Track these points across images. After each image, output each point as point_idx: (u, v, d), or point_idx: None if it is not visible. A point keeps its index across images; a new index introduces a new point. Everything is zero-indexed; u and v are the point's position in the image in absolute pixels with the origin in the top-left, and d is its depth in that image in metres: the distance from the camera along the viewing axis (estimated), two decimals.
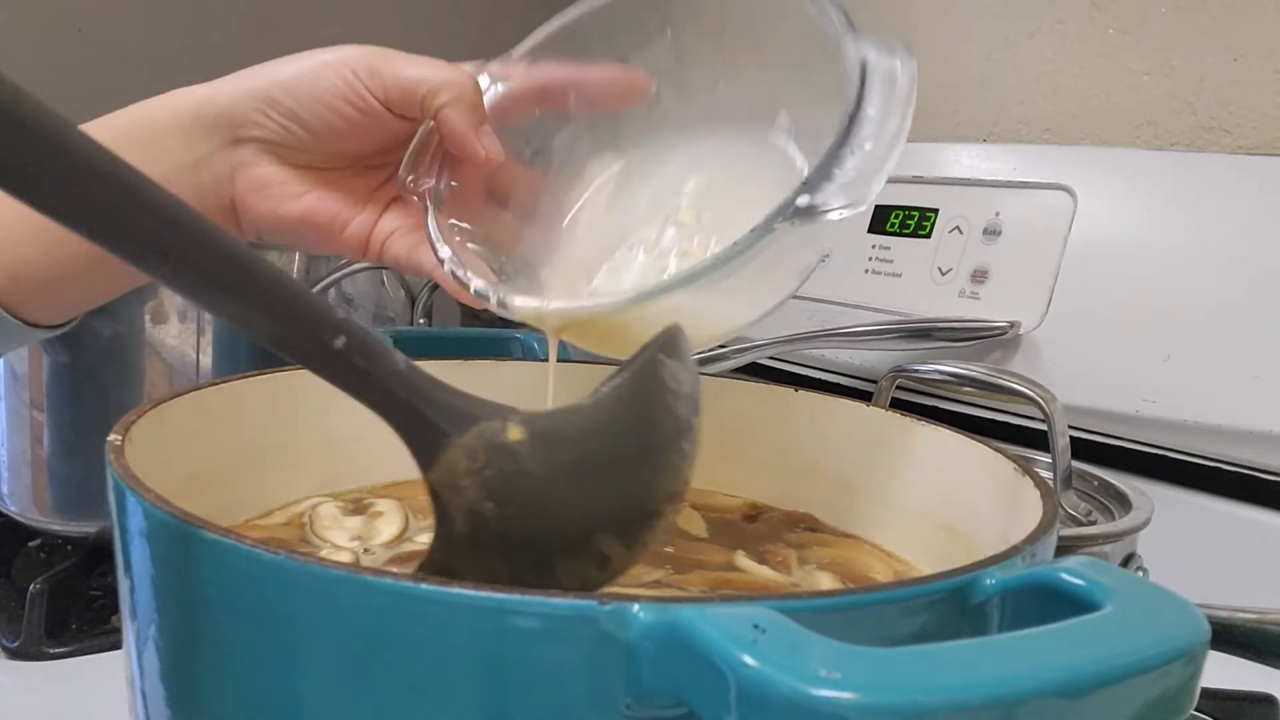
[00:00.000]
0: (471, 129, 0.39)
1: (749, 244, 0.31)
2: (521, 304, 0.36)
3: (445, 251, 0.37)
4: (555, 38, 0.41)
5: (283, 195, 0.40)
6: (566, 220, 0.43)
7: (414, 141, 0.41)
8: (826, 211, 0.30)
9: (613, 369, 0.29)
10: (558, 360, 0.45)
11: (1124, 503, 0.53)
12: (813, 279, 0.88)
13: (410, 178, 0.40)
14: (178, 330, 0.58)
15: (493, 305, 0.36)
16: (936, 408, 0.75)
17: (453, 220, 0.39)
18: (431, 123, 0.40)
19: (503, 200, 0.43)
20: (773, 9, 0.38)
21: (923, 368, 0.59)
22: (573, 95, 0.41)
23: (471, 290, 0.36)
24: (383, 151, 0.42)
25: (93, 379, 0.58)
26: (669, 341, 0.29)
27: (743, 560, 0.37)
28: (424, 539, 0.36)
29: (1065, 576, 0.22)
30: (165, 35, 0.87)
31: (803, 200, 0.30)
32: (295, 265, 0.61)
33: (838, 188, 0.30)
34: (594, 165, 0.42)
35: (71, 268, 0.39)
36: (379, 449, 0.40)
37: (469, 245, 0.39)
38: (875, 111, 0.31)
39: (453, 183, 0.40)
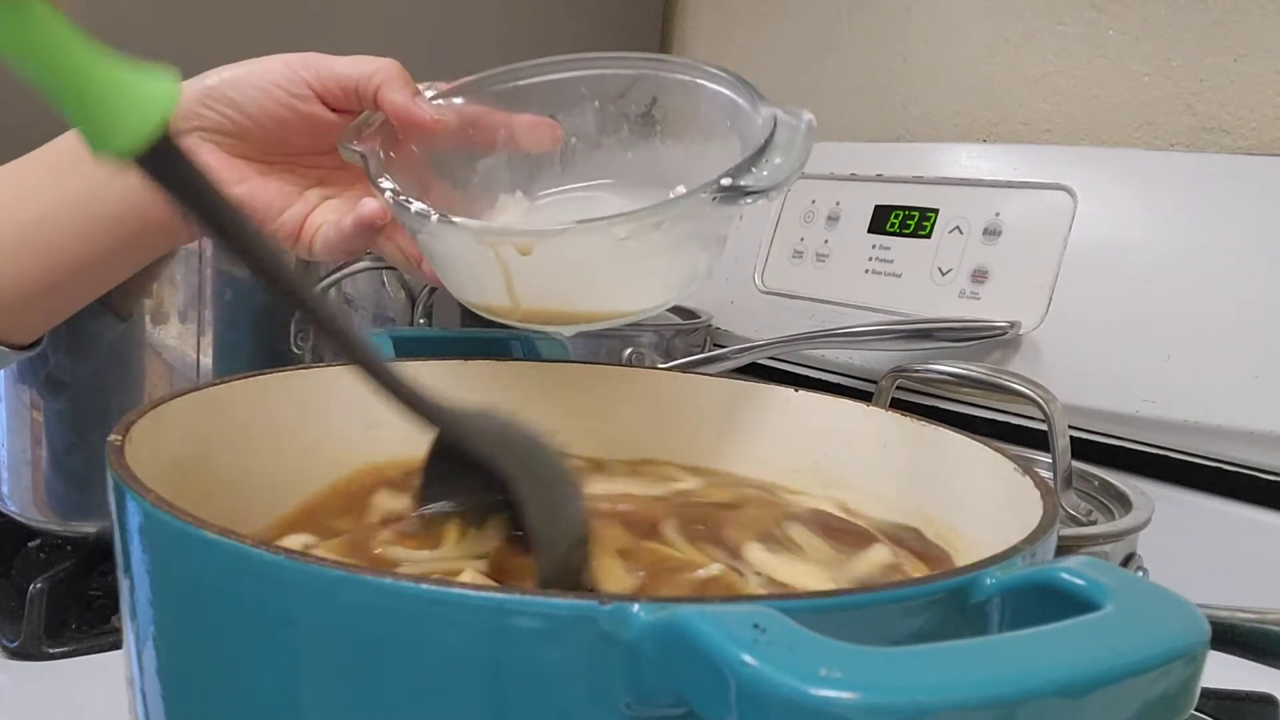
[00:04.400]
0: (410, 100, 0.43)
1: (678, 201, 0.37)
2: (462, 223, 0.38)
3: (387, 182, 0.40)
4: (500, 83, 0.46)
5: (218, 181, 0.41)
6: None
7: (355, 120, 0.44)
8: (745, 192, 0.36)
9: None
10: (558, 360, 0.45)
11: (1124, 503, 0.53)
12: (813, 279, 0.89)
13: (353, 140, 0.43)
14: (178, 330, 0.58)
15: (433, 222, 0.38)
16: (936, 408, 0.75)
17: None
18: (369, 113, 0.43)
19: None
20: (688, 91, 0.44)
21: (923, 368, 0.59)
22: (502, 131, 0.46)
23: (413, 210, 0.38)
24: (317, 151, 0.45)
25: (93, 379, 0.58)
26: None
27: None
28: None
29: (1065, 576, 0.22)
30: (165, 35, 0.87)
31: (726, 181, 0.36)
32: (295, 266, 0.61)
33: (754, 179, 0.36)
34: (505, 198, 0.46)
35: (35, 291, 0.44)
36: (378, 449, 0.40)
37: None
38: (783, 141, 0.38)
39: (391, 153, 0.43)
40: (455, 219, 0.38)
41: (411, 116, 0.43)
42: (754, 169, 0.37)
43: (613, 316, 0.40)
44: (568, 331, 0.41)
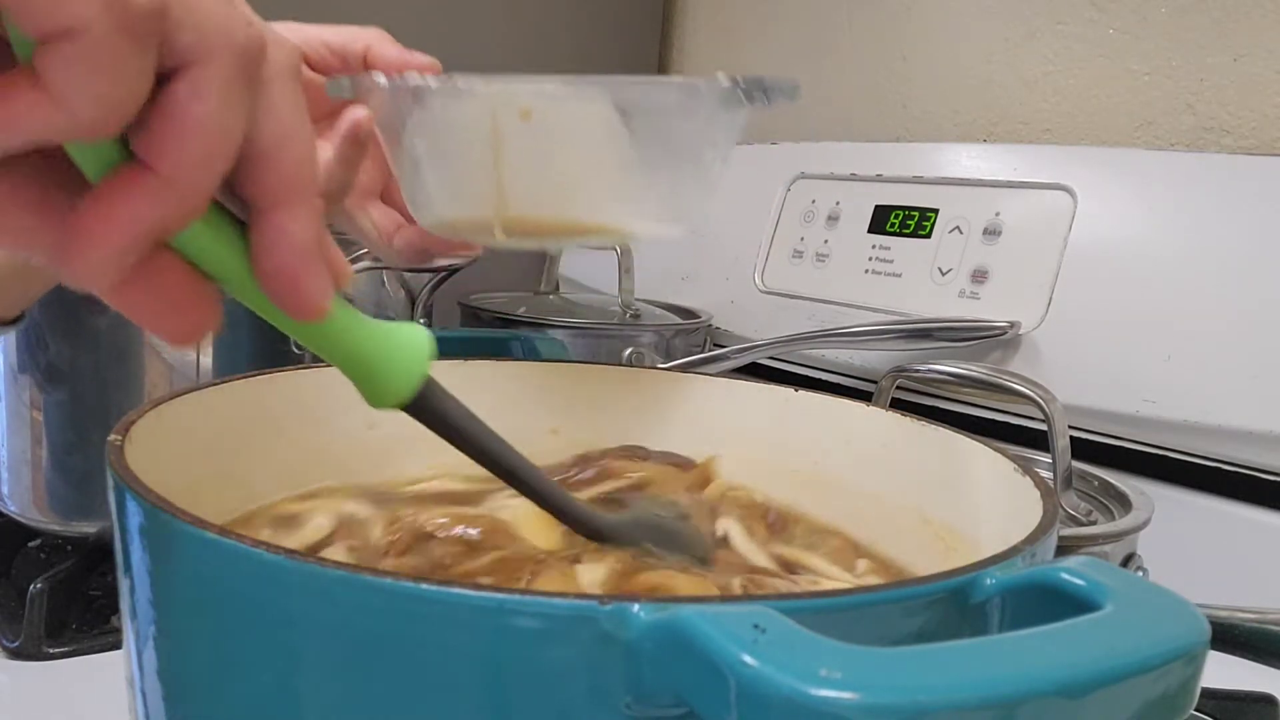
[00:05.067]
0: (402, 50, 0.44)
1: (684, 84, 0.37)
2: (465, 85, 0.36)
3: (380, 76, 0.38)
4: None
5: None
6: None
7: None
8: (751, 91, 0.37)
9: None
10: (558, 360, 0.45)
11: (1124, 503, 0.53)
12: (813, 279, 0.88)
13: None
14: None
15: (432, 88, 0.37)
16: (936, 408, 0.75)
17: None
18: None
19: None
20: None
21: (923, 368, 0.59)
22: None
23: (410, 85, 0.37)
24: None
25: (93, 379, 0.58)
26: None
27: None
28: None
29: (1065, 576, 0.22)
30: None
31: (728, 81, 0.36)
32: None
33: (761, 92, 0.37)
34: None
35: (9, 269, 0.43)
36: (377, 449, 0.40)
37: None
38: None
39: None
40: (457, 77, 0.36)
41: (406, 63, 0.43)
42: (757, 87, 0.37)
43: (601, 232, 0.39)
44: (553, 248, 0.40)
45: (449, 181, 0.39)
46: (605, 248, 0.86)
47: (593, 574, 0.32)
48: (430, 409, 0.29)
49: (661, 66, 1.21)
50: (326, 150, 0.43)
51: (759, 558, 0.37)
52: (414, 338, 0.28)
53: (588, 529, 0.34)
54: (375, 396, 0.28)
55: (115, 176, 0.21)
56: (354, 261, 0.62)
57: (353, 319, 0.27)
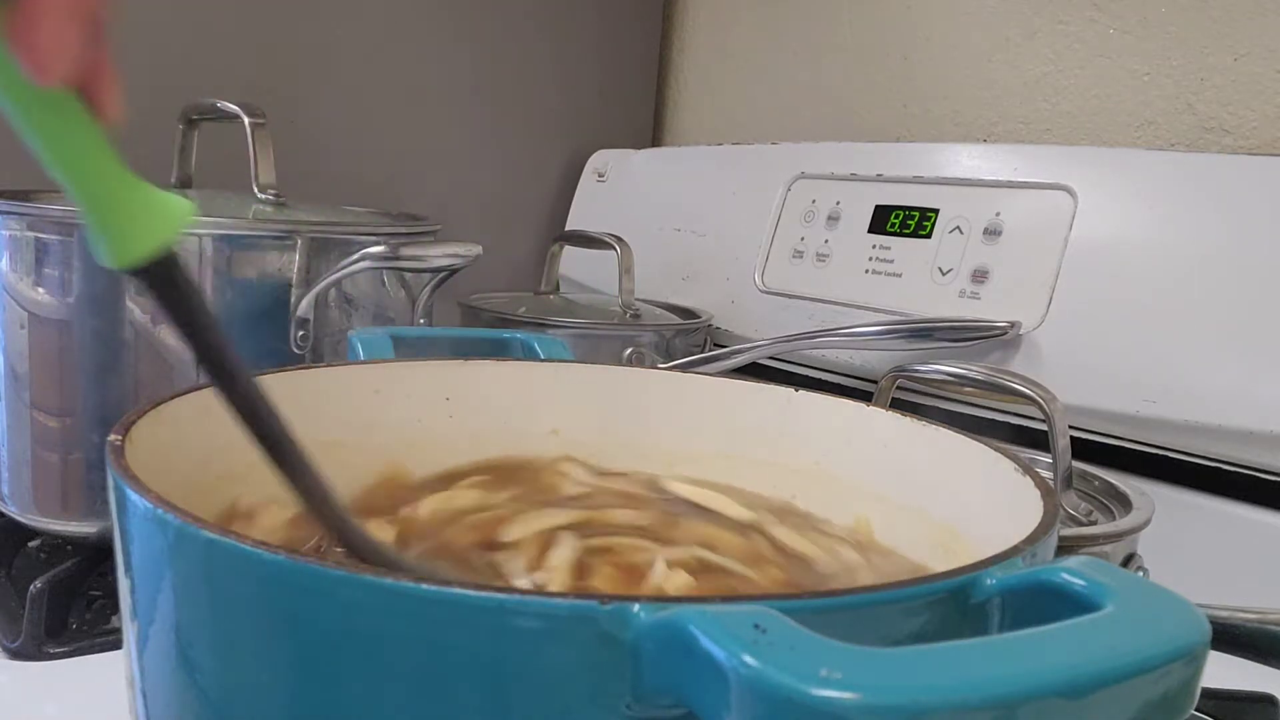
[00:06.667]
0: None
1: None
2: None
3: None
4: None
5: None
6: None
7: None
8: None
9: None
10: (558, 360, 0.45)
11: (1124, 503, 0.53)
12: (813, 279, 0.88)
13: None
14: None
15: None
16: (936, 408, 0.75)
17: None
18: None
19: None
20: None
21: (923, 368, 0.59)
22: None
23: None
24: None
25: (92, 379, 0.58)
26: None
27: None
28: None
29: (1066, 576, 0.22)
30: (168, 35, 0.87)
31: None
32: (295, 265, 0.61)
33: None
34: None
35: None
36: (377, 450, 0.40)
37: None
38: None
39: None
40: None
41: None
42: None
43: None
44: None
45: None
46: (603, 247, 0.86)
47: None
48: (167, 285, 0.26)
49: (662, 66, 1.21)
50: None
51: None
52: (170, 201, 0.26)
53: (338, 534, 0.30)
54: (113, 248, 0.25)
55: None
56: (355, 262, 0.62)
57: (107, 156, 0.25)
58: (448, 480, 0.40)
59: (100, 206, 0.25)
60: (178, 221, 0.26)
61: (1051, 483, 0.40)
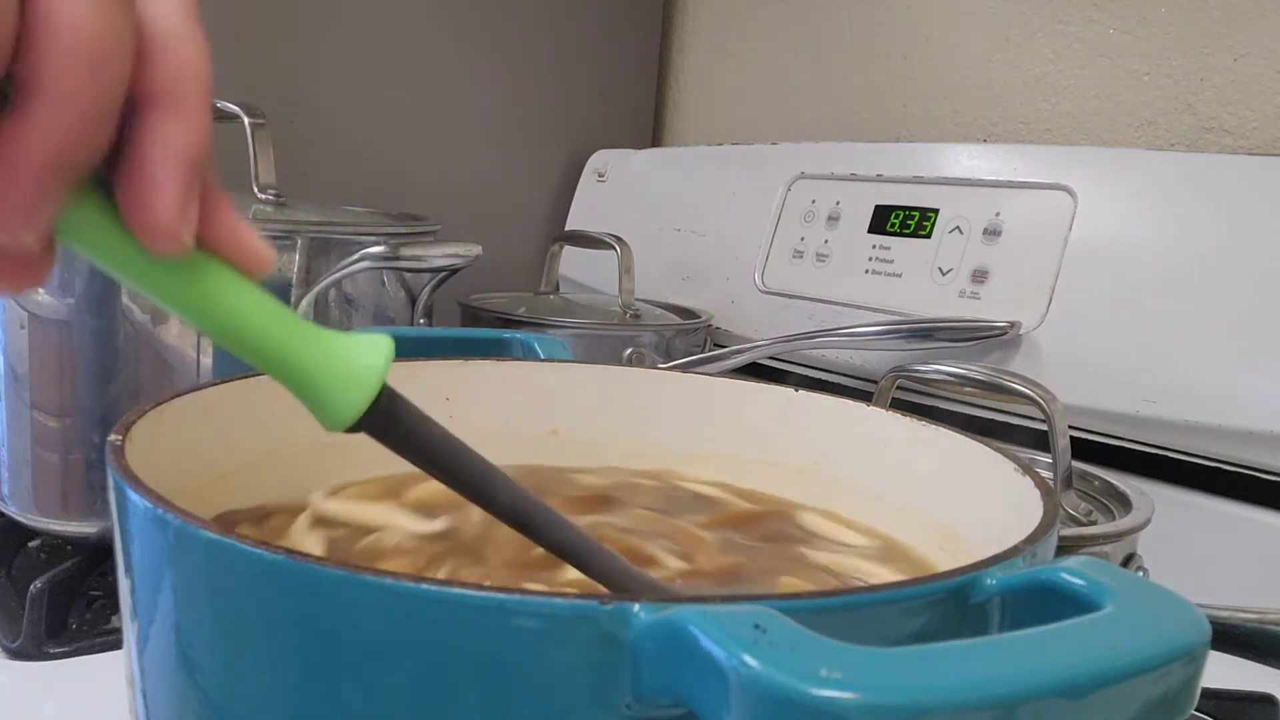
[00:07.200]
0: None
1: None
2: None
3: None
4: None
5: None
6: None
7: None
8: None
9: None
10: (558, 360, 0.45)
11: (1124, 503, 0.53)
12: (813, 279, 0.88)
13: None
14: (178, 330, 0.58)
15: None
16: (936, 408, 0.75)
17: None
18: None
19: None
20: None
21: (923, 368, 0.59)
22: None
23: None
24: None
25: (93, 378, 0.58)
26: None
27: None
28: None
29: (1066, 576, 0.22)
30: None
31: None
32: (295, 265, 0.61)
33: None
34: None
35: None
36: (377, 451, 0.40)
37: None
38: None
39: None
40: None
41: None
42: None
43: None
44: None
45: None
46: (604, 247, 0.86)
47: None
48: (394, 428, 0.25)
49: (662, 66, 1.21)
50: None
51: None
52: (365, 343, 0.24)
53: (612, 580, 0.27)
54: (323, 414, 0.24)
55: (8, 114, 0.19)
56: (355, 262, 0.62)
57: (275, 314, 0.23)
58: None
59: (289, 372, 0.23)
60: (379, 367, 0.23)
61: (1051, 483, 0.40)
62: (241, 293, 0.22)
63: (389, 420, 0.24)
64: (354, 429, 0.24)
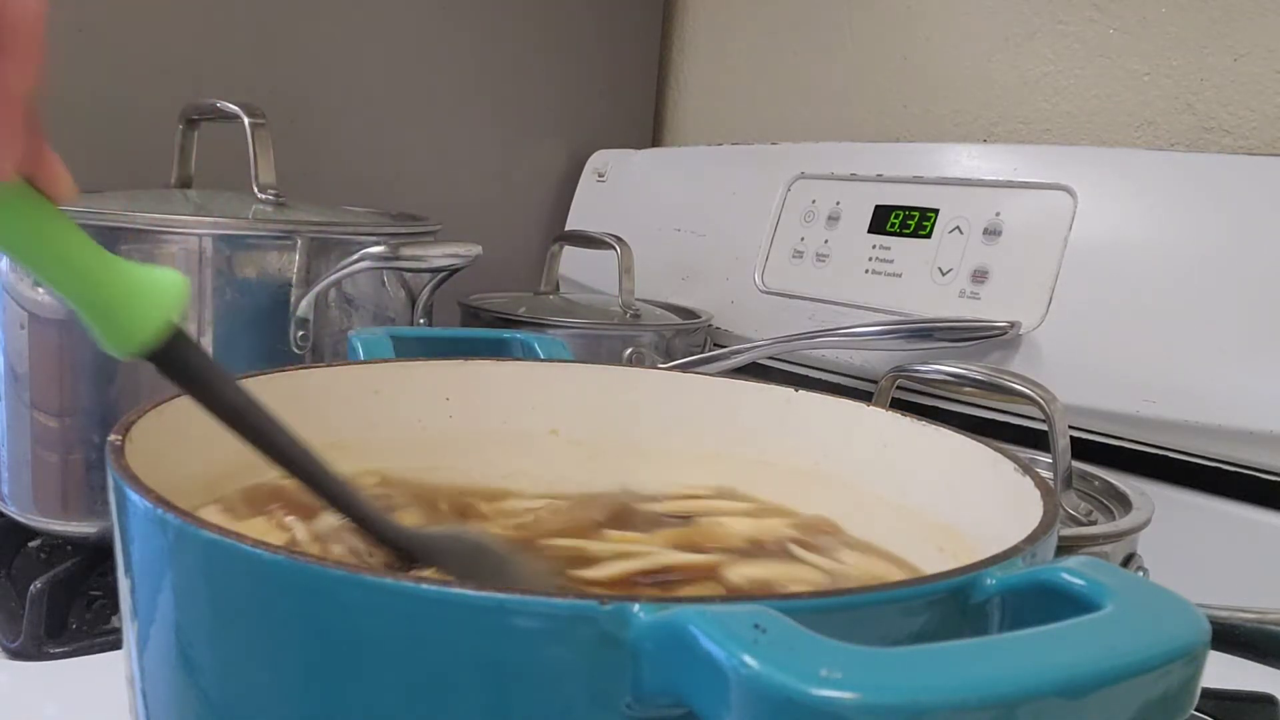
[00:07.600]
0: None
1: None
2: None
3: None
4: None
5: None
6: None
7: None
8: None
9: None
10: (558, 360, 0.45)
11: (1124, 503, 0.53)
12: (813, 279, 0.89)
13: None
14: None
15: None
16: (937, 408, 0.75)
17: None
18: None
19: None
20: None
21: (923, 368, 0.59)
22: None
23: None
24: None
25: (93, 378, 0.58)
26: None
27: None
28: None
29: (1066, 576, 0.22)
30: (168, 35, 0.87)
31: None
32: (295, 265, 0.61)
33: None
34: None
35: None
36: (377, 450, 0.40)
37: None
38: None
39: None
40: None
41: None
42: None
43: None
44: None
45: None
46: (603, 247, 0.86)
47: None
48: (179, 364, 0.26)
49: (662, 66, 1.21)
50: None
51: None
52: (162, 280, 0.25)
53: (393, 542, 0.30)
54: (113, 338, 0.25)
55: None
56: (355, 262, 0.62)
57: (80, 242, 0.24)
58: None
59: (85, 298, 0.24)
60: (172, 300, 0.25)
61: (1051, 483, 0.40)
62: (49, 218, 0.24)
63: (177, 356, 0.26)
64: (144, 357, 0.25)
